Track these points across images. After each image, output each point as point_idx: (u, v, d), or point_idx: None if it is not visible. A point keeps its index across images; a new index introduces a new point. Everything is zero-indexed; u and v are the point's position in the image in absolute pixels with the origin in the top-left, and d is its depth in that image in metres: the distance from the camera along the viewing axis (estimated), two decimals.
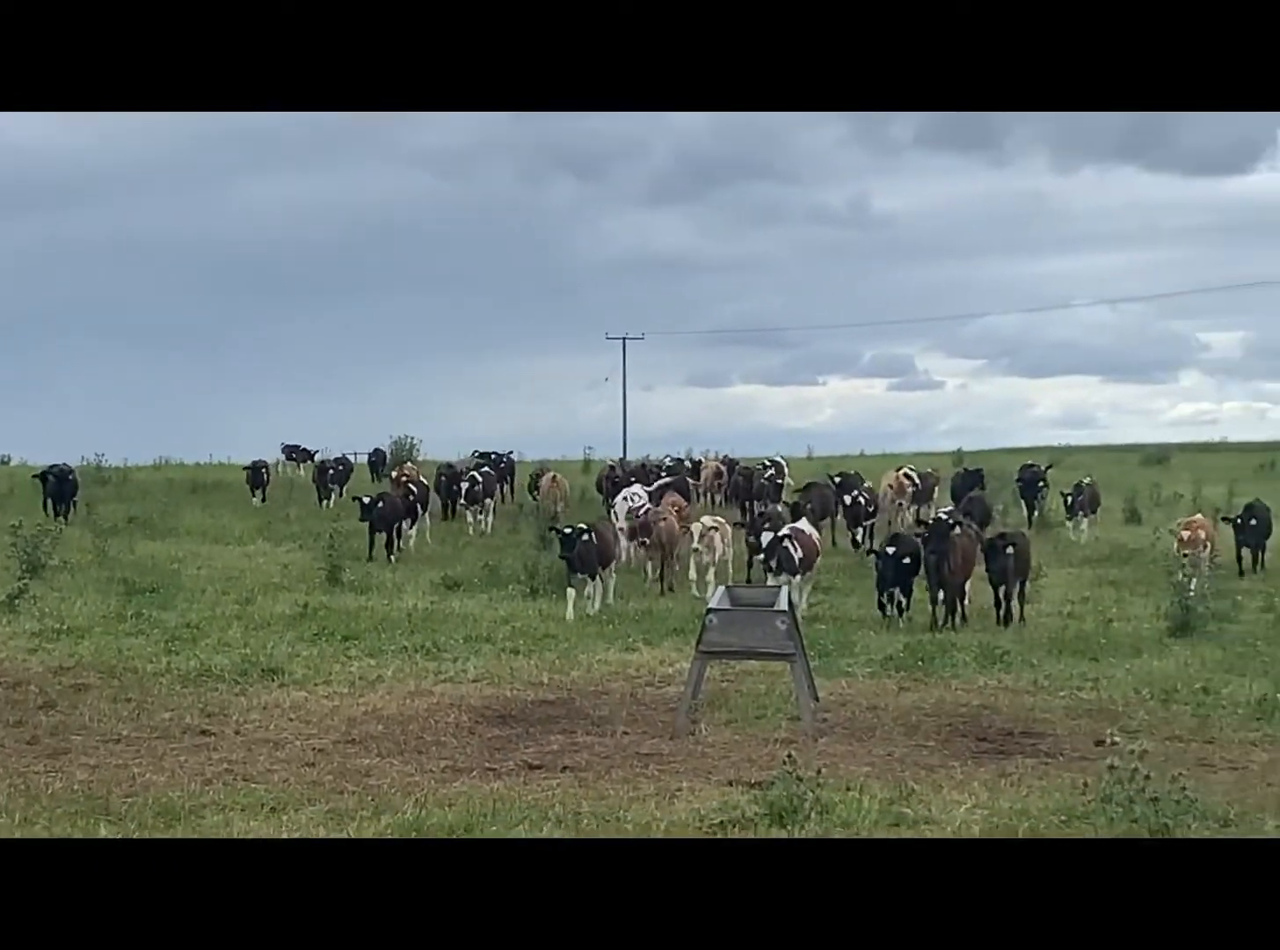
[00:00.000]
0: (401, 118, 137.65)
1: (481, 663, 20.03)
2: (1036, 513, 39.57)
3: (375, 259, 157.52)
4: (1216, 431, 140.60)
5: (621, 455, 75.35)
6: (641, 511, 30.89)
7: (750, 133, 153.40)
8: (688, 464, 51.18)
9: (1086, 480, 39.28)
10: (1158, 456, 74.46)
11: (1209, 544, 27.40)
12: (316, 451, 56.31)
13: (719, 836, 11.51)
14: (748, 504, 40.86)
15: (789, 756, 11.62)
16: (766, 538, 25.50)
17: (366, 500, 33.54)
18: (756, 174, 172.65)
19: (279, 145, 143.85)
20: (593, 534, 25.11)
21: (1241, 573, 29.87)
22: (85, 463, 56.08)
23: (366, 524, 33.22)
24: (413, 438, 62.53)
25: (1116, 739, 10.22)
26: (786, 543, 25.01)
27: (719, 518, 30.12)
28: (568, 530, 25.09)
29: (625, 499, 33.84)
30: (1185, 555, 26.11)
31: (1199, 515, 30.76)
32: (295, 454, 58.36)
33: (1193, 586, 23.26)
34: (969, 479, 41.38)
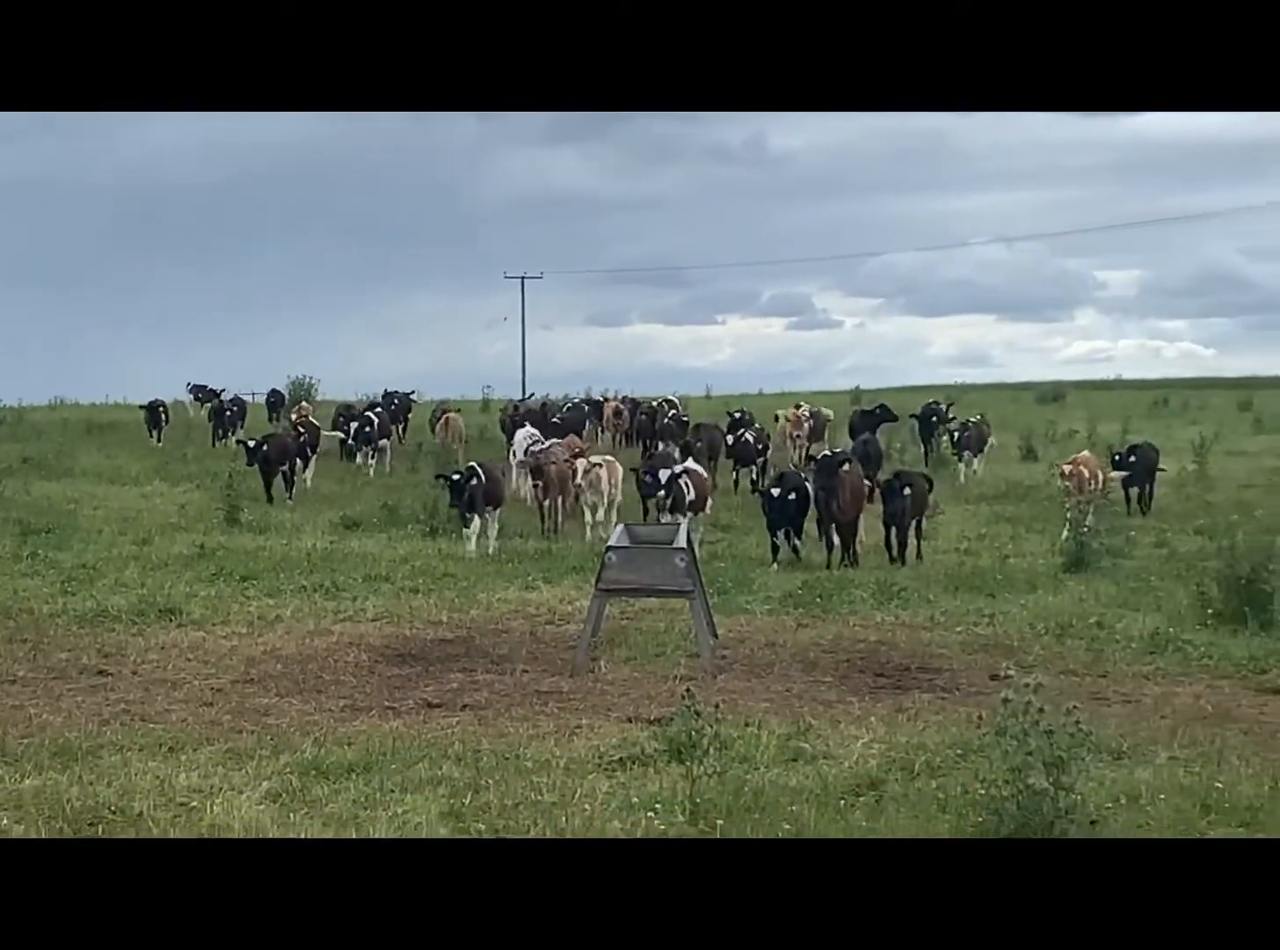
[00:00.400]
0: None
1: (381, 602, 20.02)
2: (934, 450, 39.67)
3: (273, 198, 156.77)
4: (1111, 369, 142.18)
5: (521, 395, 75.23)
6: (536, 451, 30.96)
7: None
8: (585, 405, 51.13)
9: (973, 419, 39.43)
10: (1053, 394, 75.12)
11: (1093, 481, 27.36)
12: (222, 390, 55.80)
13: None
14: (650, 443, 40.87)
15: (687, 691, 11.67)
16: (664, 475, 25.34)
17: (251, 444, 33.02)
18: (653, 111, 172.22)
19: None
20: (478, 475, 25.25)
21: (1129, 512, 29.93)
22: None
23: (256, 467, 32.70)
24: (310, 377, 62.35)
25: (1011, 673, 10.32)
26: (681, 481, 25.12)
27: (606, 456, 29.97)
28: (455, 476, 25.27)
29: (521, 439, 33.92)
30: (1067, 491, 26.58)
31: (1084, 452, 30.78)
32: (202, 394, 57.76)
33: (1081, 524, 23.51)
34: (867, 417, 41.42)
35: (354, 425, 40.05)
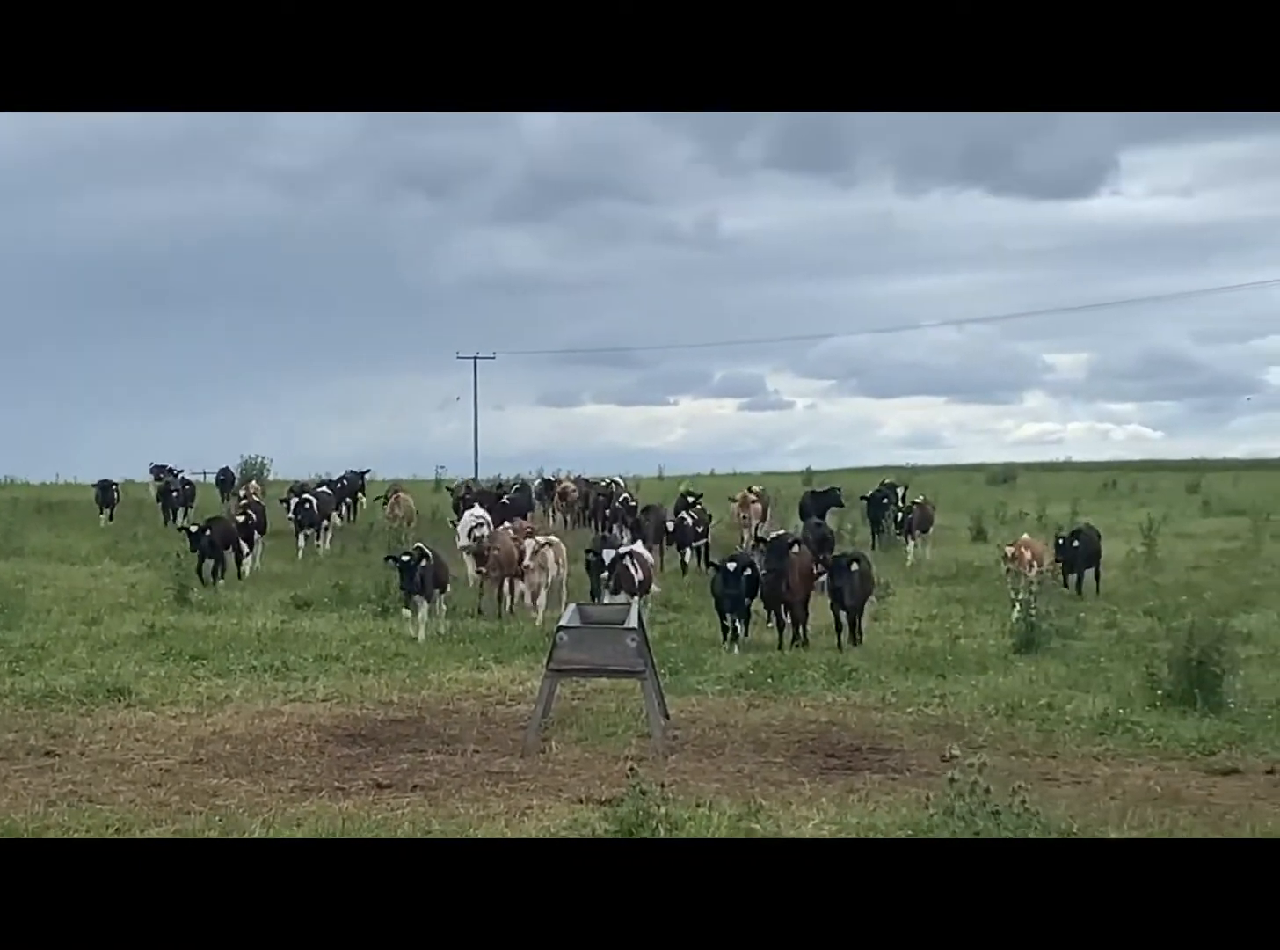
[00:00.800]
0: (247, 129, 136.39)
1: (331, 682, 19.95)
2: (884, 533, 39.56)
3: (222, 277, 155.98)
4: (1061, 451, 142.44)
5: (474, 475, 75.11)
6: (480, 534, 30.87)
7: (599, 151, 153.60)
8: (539, 482, 51.23)
9: (918, 499, 39.19)
10: (1003, 476, 75.38)
11: (1035, 563, 27.11)
12: (181, 471, 55.36)
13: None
14: (605, 524, 40.93)
15: (631, 770, 11.67)
16: (609, 555, 25.29)
17: (194, 529, 32.26)
18: (605, 192, 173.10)
19: (121, 157, 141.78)
20: (426, 556, 24.91)
21: (1066, 596, 28.49)
22: None
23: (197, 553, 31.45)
24: (263, 457, 62.09)
25: (956, 753, 10.35)
26: (627, 561, 24.97)
27: (552, 537, 29.75)
28: (404, 558, 24.88)
29: (466, 521, 33.55)
30: (1012, 574, 26.40)
31: (1026, 535, 30.45)
32: (163, 474, 57.09)
33: (1030, 606, 23.59)
34: (819, 499, 41.49)
35: (293, 502, 39.49)
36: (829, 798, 13.69)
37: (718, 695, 19.38)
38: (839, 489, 42.91)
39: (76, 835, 12.28)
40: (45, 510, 50.75)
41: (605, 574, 24.96)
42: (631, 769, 11.72)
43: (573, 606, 18.64)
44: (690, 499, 38.88)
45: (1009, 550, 27.89)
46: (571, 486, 49.14)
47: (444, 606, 25.87)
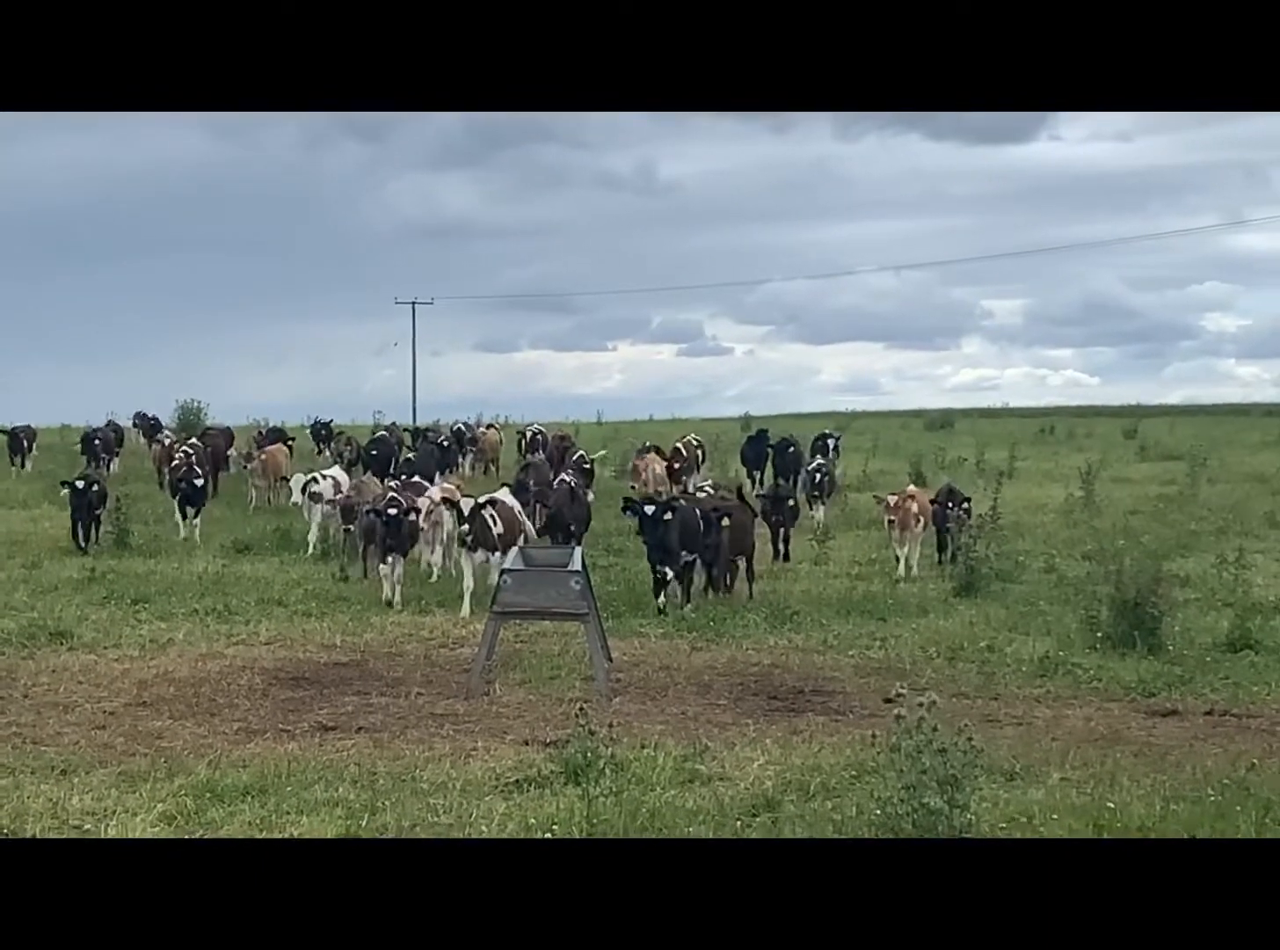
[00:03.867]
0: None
1: (274, 625, 19.98)
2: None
3: (155, 222, 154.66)
4: (999, 397, 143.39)
5: (413, 420, 74.78)
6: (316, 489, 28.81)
7: None
8: (454, 429, 48.38)
9: (821, 463, 35.12)
10: (941, 422, 75.68)
11: (921, 517, 25.88)
12: (155, 418, 54.06)
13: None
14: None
15: (580, 711, 11.73)
16: (467, 504, 22.19)
17: (79, 485, 28.52)
18: (542, 137, 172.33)
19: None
20: (412, 511, 23.19)
21: (940, 561, 26.66)
22: None
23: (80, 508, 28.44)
24: (199, 401, 61.54)
25: (904, 692, 10.42)
26: (486, 513, 22.25)
27: (448, 485, 28.84)
28: (391, 510, 22.69)
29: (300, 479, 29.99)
30: (890, 524, 25.94)
31: (911, 486, 28.99)
32: (141, 421, 55.40)
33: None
34: (757, 443, 40.89)
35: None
36: (773, 739, 13.79)
37: (660, 638, 19.46)
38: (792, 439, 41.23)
39: (21, 777, 12.33)
40: None
41: (464, 528, 22.01)
42: (581, 709, 11.79)
43: (515, 549, 18.65)
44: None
45: (891, 500, 26.08)
46: (493, 433, 48.46)
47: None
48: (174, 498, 31.08)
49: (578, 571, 16.82)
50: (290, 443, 43.34)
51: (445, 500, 24.98)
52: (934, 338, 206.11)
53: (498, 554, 21.60)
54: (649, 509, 21.58)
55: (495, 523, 22.18)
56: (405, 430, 50.49)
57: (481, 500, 22.53)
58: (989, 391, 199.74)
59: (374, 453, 39.67)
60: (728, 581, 23.30)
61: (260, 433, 48.43)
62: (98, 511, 28.72)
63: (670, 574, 21.60)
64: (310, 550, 27.60)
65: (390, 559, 22.55)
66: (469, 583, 21.54)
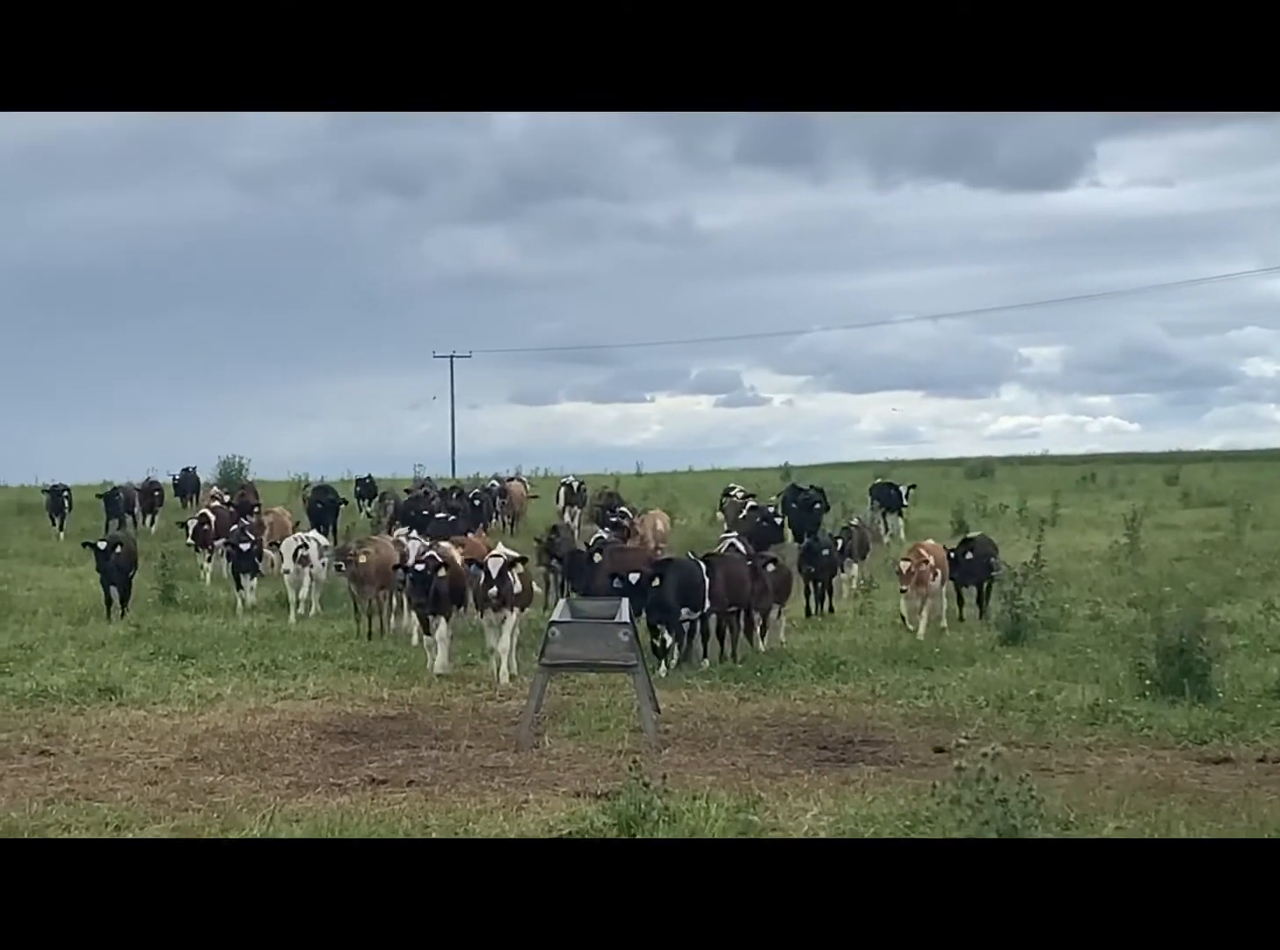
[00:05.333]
0: (210, 128, 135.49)
1: (321, 679, 19.99)
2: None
3: (192, 279, 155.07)
4: (1038, 445, 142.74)
5: (451, 473, 74.86)
6: (306, 553, 27.13)
7: (570, 148, 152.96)
8: (486, 487, 46.79)
9: (854, 522, 33.55)
10: (981, 469, 75.30)
11: (937, 571, 24.72)
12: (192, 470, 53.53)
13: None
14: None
15: (634, 763, 11.73)
16: (494, 566, 20.44)
17: (101, 545, 27.20)
18: (577, 190, 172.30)
19: (81, 158, 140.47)
20: (441, 563, 21.34)
21: (961, 617, 26.05)
22: None
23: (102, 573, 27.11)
24: (240, 457, 61.39)
25: (964, 741, 10.40)
26: (513, 572, 20.64)
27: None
28: (419, 567, 21.15)
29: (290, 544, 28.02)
30: (904, 593, 24.60)
31: (929, 540, 27.43)
32: (183, 475, 54.29)
33: (1015, 598, 23.15)
34: (797, 496, 40.02)
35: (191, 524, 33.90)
36: (825, 789, 13.75)
37: (707, 689, 19.46)
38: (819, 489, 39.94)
39: (77, 833, 12.35)
40: (26, 512, 50.43)
41: (492, 588, 20.25)
42: (635, 761, 11.81)
43: (562, 601, 18.61)
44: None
45: (904, 565, 24.51)
46: (517, 486, 47.05)
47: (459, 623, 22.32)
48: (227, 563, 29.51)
49: (625, 623, 16.82)
50: (342, 503, 41.50)
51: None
52: (972, 386, 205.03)
53: (515, 613, 20.58)
54: (632, 578, 20.73)
55: (515, 581, 20.67)
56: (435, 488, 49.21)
57: (511, 556, 20.91)
58: (1028, 439, 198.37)
59: (412, 513, 37.40)
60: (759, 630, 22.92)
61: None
62: (130, 574, 27.37)
63: (669, 638, 21.02)
64: (299, 610, 26.72)
65: (432, 623, 21.02)
66: (505, 643, 20.30)
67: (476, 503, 40.76)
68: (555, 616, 17.28)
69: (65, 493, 45.08)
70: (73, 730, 16.87)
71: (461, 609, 22.19)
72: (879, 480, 42.22)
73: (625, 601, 18.47)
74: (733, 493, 40.12)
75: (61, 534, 42.53)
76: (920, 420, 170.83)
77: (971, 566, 25.75)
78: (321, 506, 39.69)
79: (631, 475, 75.48)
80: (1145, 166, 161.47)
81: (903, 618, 24.74)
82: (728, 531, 30.44)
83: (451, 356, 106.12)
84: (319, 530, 33.29)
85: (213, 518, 33.51)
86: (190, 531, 33.10)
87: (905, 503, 40.32)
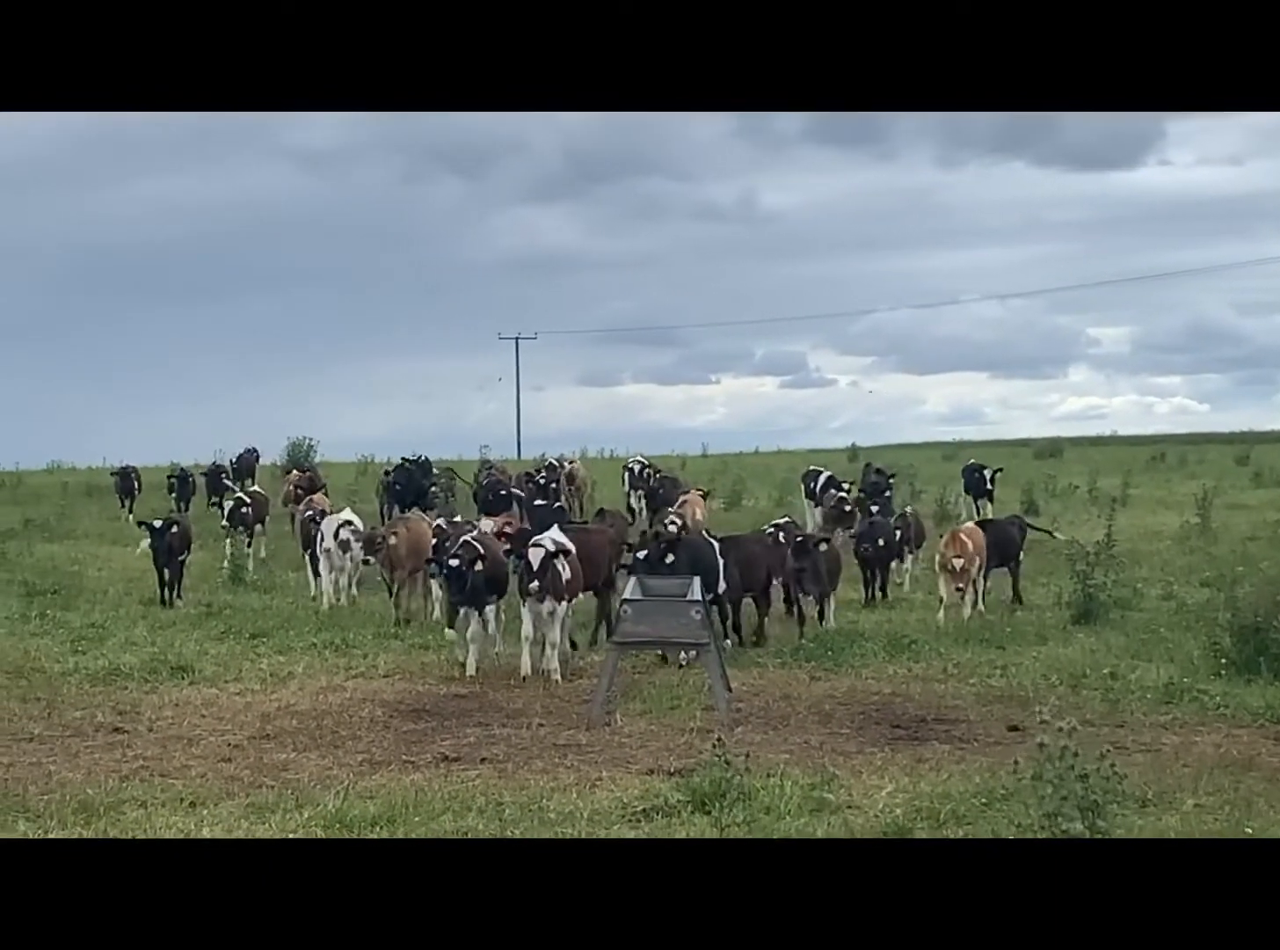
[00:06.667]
0: (274, 114, 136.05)
1: (392, 658, 20.03)
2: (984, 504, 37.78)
3: (251, 260, 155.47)
4: (1105, 426, 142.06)
5: (516, 455, 74.93)
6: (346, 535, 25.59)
7: (634, 126, 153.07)
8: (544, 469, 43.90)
9: (908, 509, 31.74)
10: (1050, 450, 75.00)
11: (979, 557, 23.62)
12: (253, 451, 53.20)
13: (647, 835, 11.56)
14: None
15: (718, 741, 11.72)
16: (535, 556, 18.98)
17: (157, 525, 26.05)
18: (642, 170, 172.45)
19: (146, 144, 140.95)
20: (480, 556, 19.69)
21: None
22: None
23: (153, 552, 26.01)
24: (309, 439, 61.50)
25: (1045, 717, 10.29)
26: (557, 563, 19.26)
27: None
28: (453, 561, 19.50)
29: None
30: (958, 588, 23.32)
31: (968, 523, 26.52)
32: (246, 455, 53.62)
33: (1087, 577, 22.94)
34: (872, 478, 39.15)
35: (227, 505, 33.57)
36: (899, 767, 13.73)
37: (778, 668, 19.43)
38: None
39: (153, 809, 12.44)
40: (95, 493, 50.76)
41: (534, 583, 18.77)
42: (719, 739, 11.77)
43: (633, 579, 18.47)
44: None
45: (954, 559, 23.00)
46: (578, 466, 45.82)
47: (499, 622, 20.69)
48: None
49: (698, 601, 16.78)
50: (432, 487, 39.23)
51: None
52: (1039, 366, 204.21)
53: (564, 604, 19.35)
54: (640, 554, 20.31)
55: (565, 569, 19.35)
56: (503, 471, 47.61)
57: (552, 547, 19.31)
58: (1096, 420, 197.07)
59: (490, 497, 35.26)
60: (799, 612, 22.51)
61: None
62: (181, 558, 26.34)
63: None
64: (325, 601, 25.22)
65: (463, 613, 19.85)
66: (554, 636, 19.11)
67: (545, 481, 39.89)
68: (626, 594, 17.24)
69: (134, 474, 45.08)
70: (146, 708, 16.97)
71: (499, 600, 20.43)
72: (972, 463, 41.30)
73: (697, 580, 18.39)
74: (822, 478, 38.98)
75: (130, 516, 42.05)
76: (986, 401, 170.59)
77: (998, 550, 25.05)
78: (401, 487, 38.26)
79: (697, 457, 75.52)
80: (1215, 144, 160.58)
81: (941, 600, 23.63)
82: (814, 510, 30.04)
83: (517, 338, 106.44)
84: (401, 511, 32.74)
85: (249, 501, 32.63)
86: (226, 514, 32.19)
87: (990, 487, 39.65)
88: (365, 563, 25.02)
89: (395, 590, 24.23)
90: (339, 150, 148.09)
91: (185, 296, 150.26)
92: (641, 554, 20.37)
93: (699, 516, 32.76)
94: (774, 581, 22.34)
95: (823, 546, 21.82)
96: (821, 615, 22.43)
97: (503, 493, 35.30)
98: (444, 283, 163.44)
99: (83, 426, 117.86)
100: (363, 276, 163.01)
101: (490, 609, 19.96)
